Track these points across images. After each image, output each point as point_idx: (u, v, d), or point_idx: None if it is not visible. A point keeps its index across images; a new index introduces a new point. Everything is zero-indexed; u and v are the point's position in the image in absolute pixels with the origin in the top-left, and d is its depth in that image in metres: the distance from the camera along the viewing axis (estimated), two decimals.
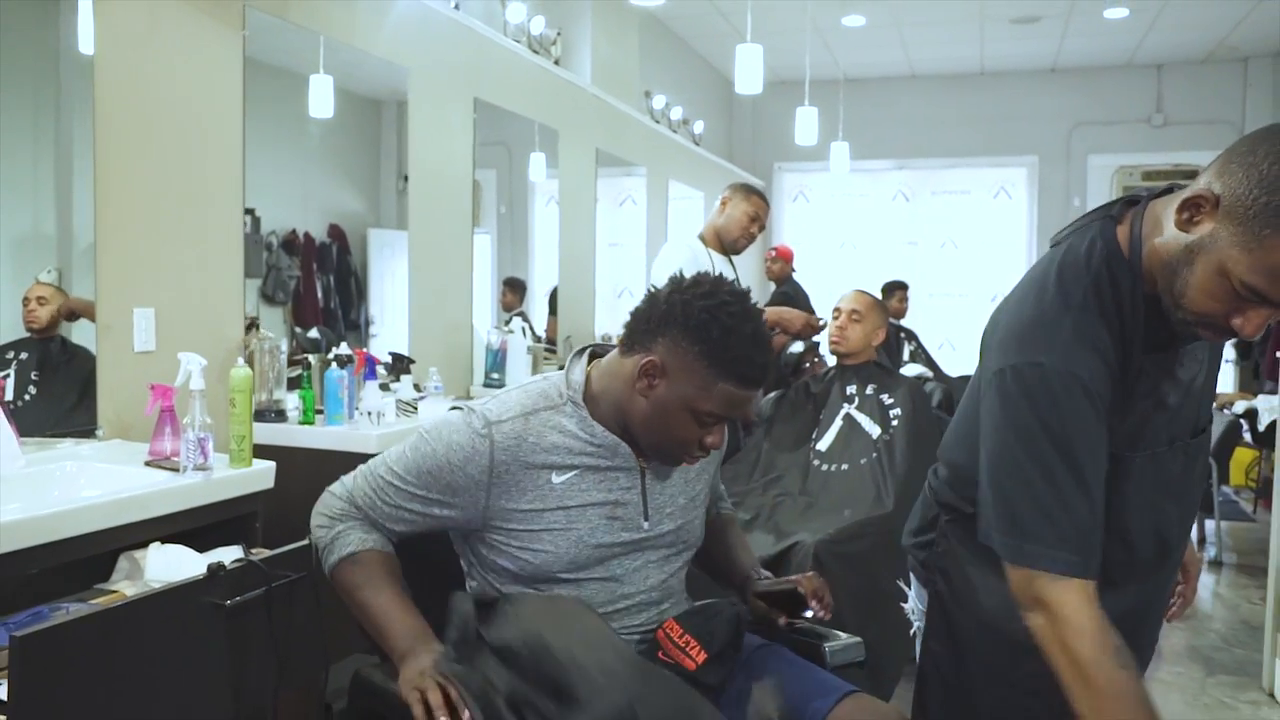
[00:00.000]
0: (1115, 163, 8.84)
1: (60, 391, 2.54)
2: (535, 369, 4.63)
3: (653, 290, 1.58)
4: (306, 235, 3.58)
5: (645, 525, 1.66)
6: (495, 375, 4.33)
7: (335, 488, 1.71)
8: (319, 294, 3.68)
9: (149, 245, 2.72)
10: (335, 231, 3.78)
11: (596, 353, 1.69)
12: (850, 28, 7.57)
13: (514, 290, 5.20)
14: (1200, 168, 1.34)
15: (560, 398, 1.62)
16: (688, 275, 1.58)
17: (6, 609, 2.02)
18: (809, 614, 1.78)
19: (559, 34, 5.23)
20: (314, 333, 3.60)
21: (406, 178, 4.03)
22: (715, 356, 1.48)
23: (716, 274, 1.57)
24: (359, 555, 1.61)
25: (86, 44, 2.53)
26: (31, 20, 2.52)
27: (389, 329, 3.96)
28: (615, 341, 1.65)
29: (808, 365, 4.18)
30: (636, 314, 1.58)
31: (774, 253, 6.43)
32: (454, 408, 1.69)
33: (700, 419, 1.52)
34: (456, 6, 4.20)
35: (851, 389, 3.27)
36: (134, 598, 1.69)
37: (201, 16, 2.86)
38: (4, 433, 2.02)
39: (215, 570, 1.75)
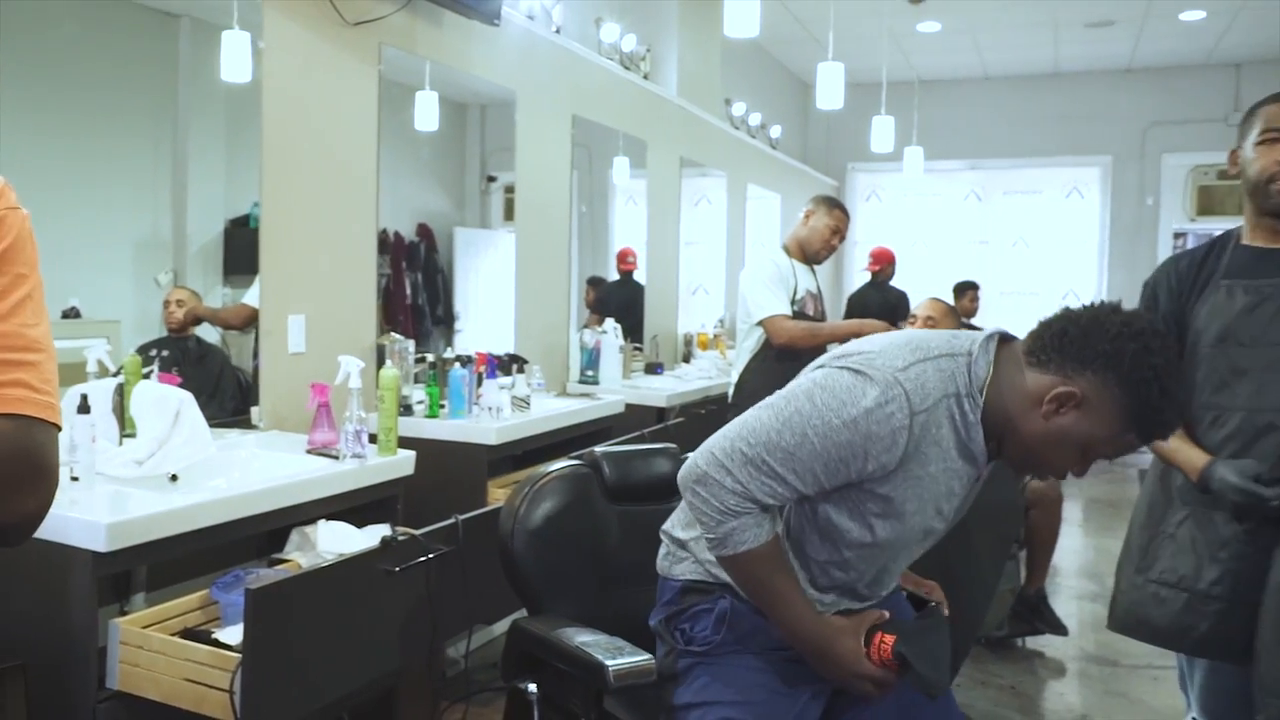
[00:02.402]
0: (1191, 162, 8.88)
1: (197, 386, 2.72)
2: (626, 368, 4.96)
3: (1088, 311, 1.49)
4: (396, 234, 3.74)
5: (942, 525, 1.63)
6: (590, 373, 4.67)
7: (722, 477, 1.51)
8: (407, 291, 3.87)
9: (302, 258, 3.10)
10: (423, 230, 3.98)
11: (1004, 338, 1.57)
12: (925, 33, 7.76)
13: (596, 288, 5.51)
14: None
15: (964, 388, 1.50)
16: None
17: (206, 571, 2.41)
18: None
19: (648, 50, 5.55)
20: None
21: (492, 178, 4.33)
22: (1140, 416, 1.44)
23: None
24: (763, 550, 1.54)
25: (226, 70, 2.87)
26: (149, 44, 2.82)
27: (474, 324, 4.19)
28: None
29: None
30: (1062, 334, 1.48)
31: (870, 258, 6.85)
32: (845, 368, 1.50)
33: (1087, 456, 1.50)
34: (558, 30, 4.53)
35: None
36: (330, 563, 2.04)
37: (345, 52, 3.22)
38: (201, 422, 2.38)
39: (388, 542, 2.10)
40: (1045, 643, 4.04)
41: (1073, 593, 4.79)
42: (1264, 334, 1.97)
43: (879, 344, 1.55)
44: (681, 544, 1.76)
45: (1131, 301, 1.77)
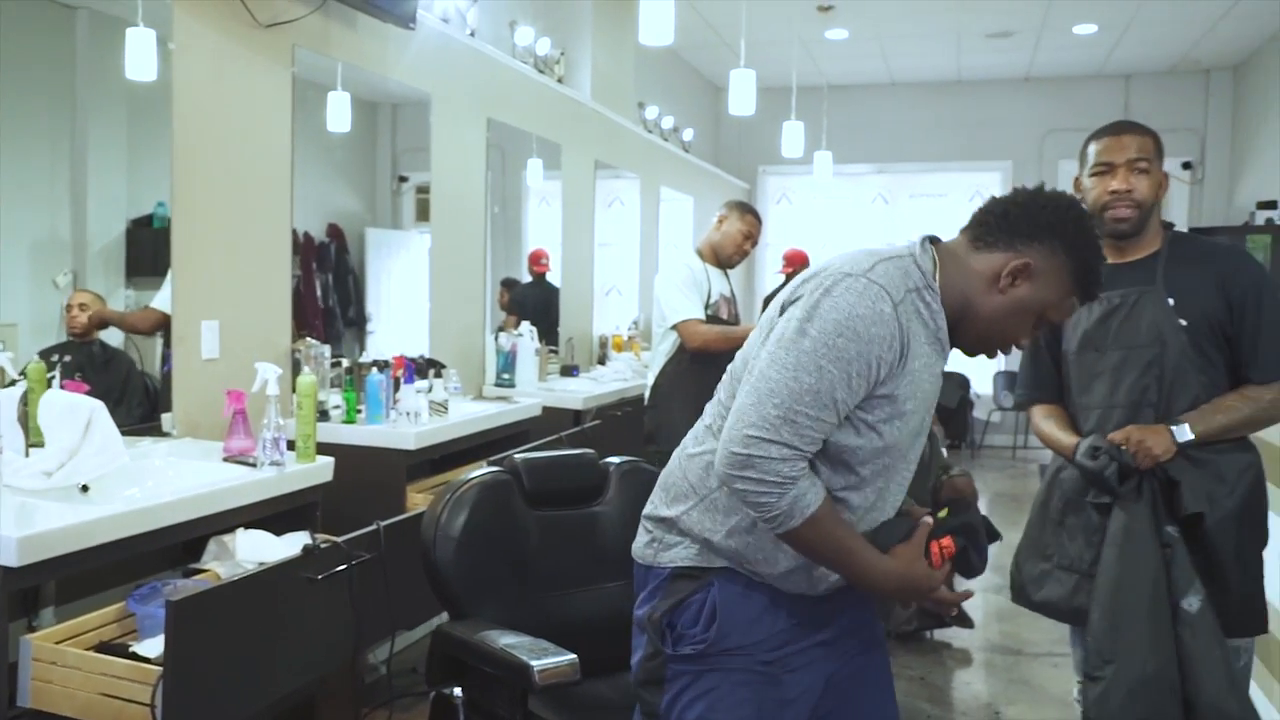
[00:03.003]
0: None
1: (103, 391, 2.60)
2: (542, 371, 4.98)
3: (1021, 193, 1.62)
4: (306, 235, 3.63)
5: (928, 423, 1.68)
6: (506, 375, 4.67)
7: (767, 450, 1.48)
8: (318, 292, 3.81)
9: (215, 263, 3.06)
10: (334, 231, 3.91)
11: (932, 239, 1.66)
12: (833, 40, 7.93)
13: (510, 290, 5.50)
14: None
15: (919, 282, 1.57)
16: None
17: (117, 583, 2.38)
18: None
19: (562, 54, 5.57)
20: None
21: (403, 178, 4.31)
22: (1082, 275, 1.58)
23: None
24: (824, 506, 1.52)
25: (130, 68, 2.80)
26: (44, 36, 2.73)
27: (386, 326, 4.16)
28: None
29: None
30: (1005, 215, 1.59)
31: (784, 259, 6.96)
32: (819, 293, 1.52)
33: (1039, 324, 1.62)
34: (473, 34, 4.53)
35: None
36: (252, 572, 2.04)
37: (257, 54, 3.18)
38: (113, 432, 2.33)
39: (310, 550, 2.10)
40: (953, 634, 4.19)
41: (978, 585, 4.96)
42: (1113, 339, 2.21)
43: (834, 261, 1.59)
44: (670, 523, 1.68)
45: None
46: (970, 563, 1.67)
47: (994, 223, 1.60)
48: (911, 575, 1.59)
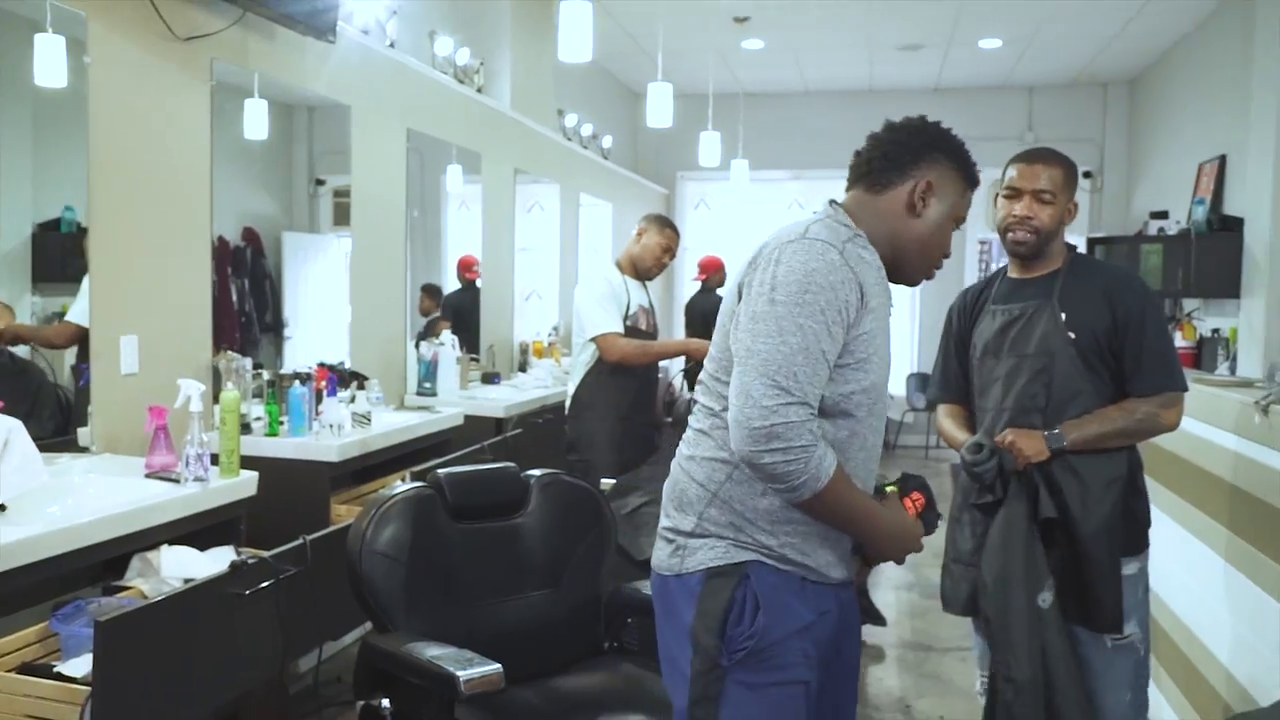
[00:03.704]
0: (992, 176, 9.46)
1: (13, 403, 2.54)
2: (463, 379, 5.02)
3: (883, 133, 1.78)
4: (221, 239, 3.56)
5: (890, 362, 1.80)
6: (428, 385, 4.71)
7: (786, 415, 1.53)
8: (234, 298, 3.77)
9: (134, 277, 3.05)
10: (250, 235, 3.86)
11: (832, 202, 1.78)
12: (750, 50, 8.08)
13: (431, 296, 5.48)
14: None
15: (848, 235, 1.67)
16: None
17: (37, 602, 2.37)
18: None
19: (481, 63, 5.61)
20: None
21: (320, 181, 4.31)
22: (966, 167, 1.77)
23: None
24: (839, 468, 1.60)
25: (40, 74, 2.75)
26: None
27: (304, 332, 4.14)
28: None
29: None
30: (885, 155, 1.74)
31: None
32: (771, 266, 1.63)
33: (955, 225, 1.78)
34: (392, 45, 4.55)
35: None
36: (179, 590, 2.06)
37: (175, 67, 3.18)
38: (32, 449, 2.33)
39: (238, 566, 2.13)
40: (867, 632, 4.33)
41: (891, 583, 5.14)
42: (1010, 348, 2.38)
43: (769, 240, 1.70)
44: (692, 529, 1.69)
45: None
46: (931, 519, 1.82)
47: (882, 165, 1.75)
48: (907, 529, 1.74)
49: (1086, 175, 9.04)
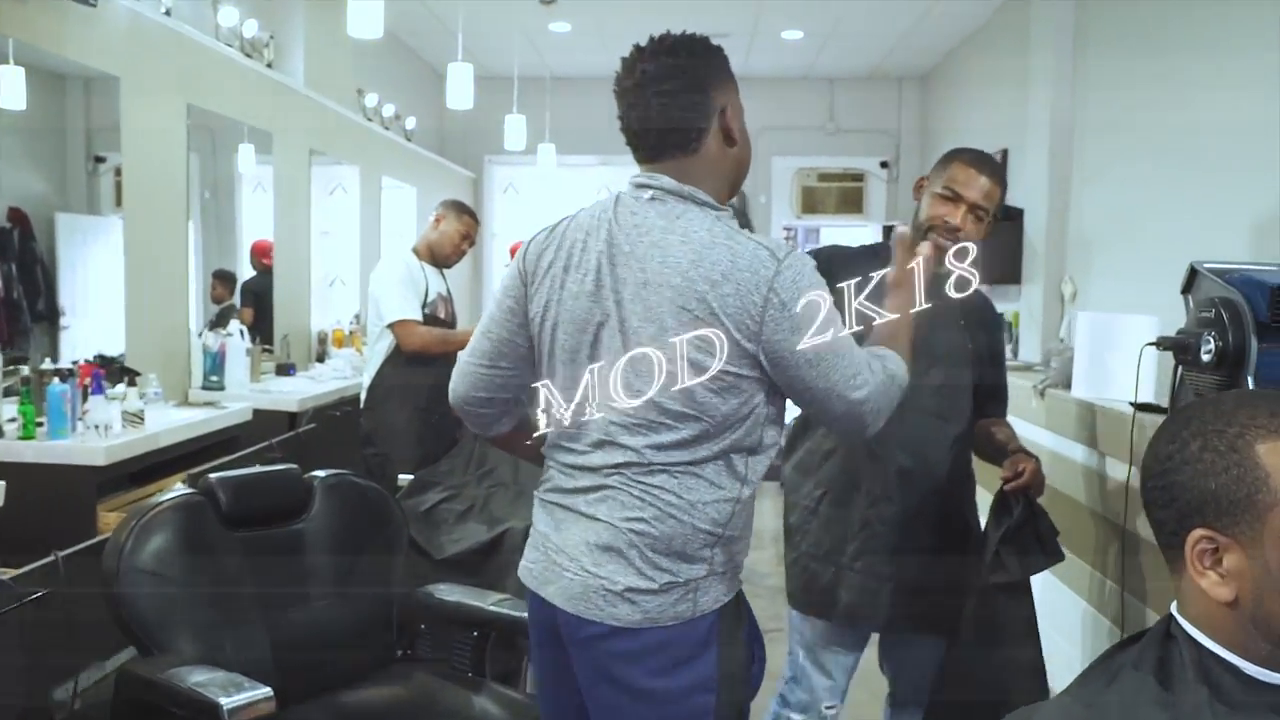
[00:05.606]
0: (796, 165, 9.78)
1: None
2: (255, 371, 4.74)
3: (657, 92, 1.71)
4: None
5: None
6: (214, 378, 4.41)
7: (885, 388, 1.64)
8: None
9: None
10: (16, 215, 3.56)
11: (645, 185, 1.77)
12: (556, 32, 7.98)
13: (224, 283, 5.18)
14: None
15: (719, 215, 1.68)
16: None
17: None
18: None
19: (271, 37, 5.29)
20: None
21: (100, 159, 3.98)
22: (724, 61, 1.77)
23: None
24: (900, 367, 1.70)
25: None
26: None
27: (86, 321, 3.86)
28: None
29: None
30: (659, 129, 1.72)
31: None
32: (762, 247, 1.61)
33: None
34: (168, 12, 4.22)
35: None
36: None
37: None
38: None
39: None
40: None
41: None
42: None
43: (738, 281, 1.60)
44: (699, 576, 1.58)
45: None
46: None
47: (657, 138, 1.73)
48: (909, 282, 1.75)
49: (884, 165, 9.40)
